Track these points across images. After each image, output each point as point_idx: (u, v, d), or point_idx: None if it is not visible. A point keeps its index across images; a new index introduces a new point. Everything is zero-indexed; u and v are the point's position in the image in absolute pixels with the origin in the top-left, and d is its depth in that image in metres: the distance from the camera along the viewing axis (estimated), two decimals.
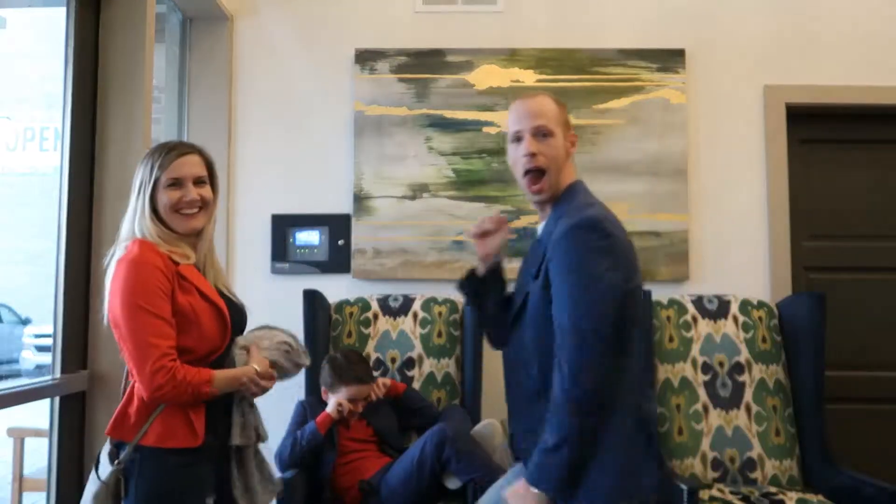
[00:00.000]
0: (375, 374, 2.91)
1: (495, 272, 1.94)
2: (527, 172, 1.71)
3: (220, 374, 1.74)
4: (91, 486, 1.73)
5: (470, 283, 1.94)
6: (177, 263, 1.76)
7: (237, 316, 1.87)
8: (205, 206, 1.82)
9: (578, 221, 1.60)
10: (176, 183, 1.79)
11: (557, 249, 1.61)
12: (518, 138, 1.73)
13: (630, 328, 1.59)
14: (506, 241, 1.90)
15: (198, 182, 1.82)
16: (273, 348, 1.89)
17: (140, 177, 1.81)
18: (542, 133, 1.70)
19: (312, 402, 2.70)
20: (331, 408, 2.57)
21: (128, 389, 1.75)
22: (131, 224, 1.79)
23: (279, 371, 1.89)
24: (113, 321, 1.72)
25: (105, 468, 1.72)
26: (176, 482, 1.69)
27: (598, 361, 1.52)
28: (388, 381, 2.79)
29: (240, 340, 1.86)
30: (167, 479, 1.69)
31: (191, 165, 1.81)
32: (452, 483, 2.44)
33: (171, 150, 1.81)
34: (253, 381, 1.78)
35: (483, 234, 1.88)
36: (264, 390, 1.82)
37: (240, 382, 1.76)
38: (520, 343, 1.74)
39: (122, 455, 1.69)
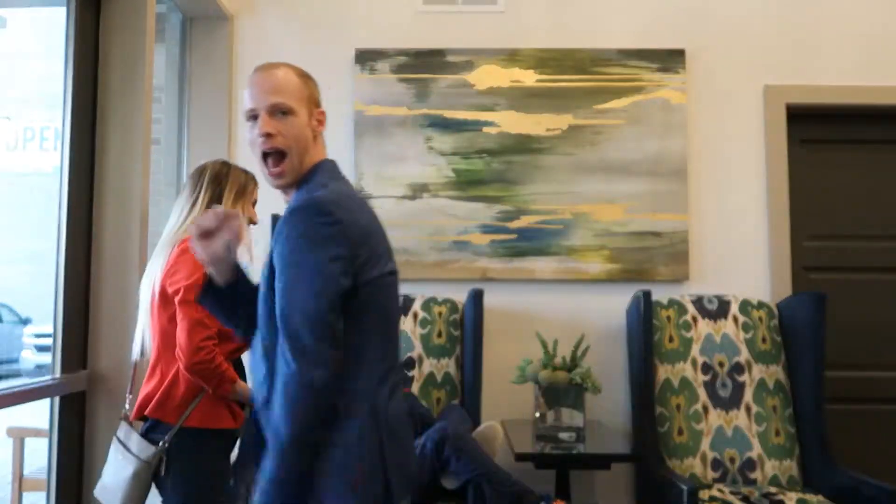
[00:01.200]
0: None
1: (239, 280, 1.58)
2: (265, 155, 1.52)
3: (242, 384, 1.94)
4: (126, 466, 1.83)
5: (210, 296, 1.57)
6: None
7: None
8: None
9: (301, 203, 1.41)
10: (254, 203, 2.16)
11: (278, 237, 1.41)
12: (254, 116, 1.53)
13: (371, 322, 1.41)
14: (237, 240, 1.54)
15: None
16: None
17: (239, 192, 2.10)
18: (280, 111, 1.50)
19: None
20: None
21: (170, 373, 1.88)
22: (191, 214, 2.02)
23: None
24: (164, 295, 1.90)
25: (144, 448, 1.84)
26: (216, 462, 1.86)
27: (309, 371, 1.31)
28: None
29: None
30: (209, 460, 1.85)
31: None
32: (450, 483, 2.44)
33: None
34: None
35: (205, 235, 1.52)
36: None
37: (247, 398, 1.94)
38: (253, 346, 1.53)
39: (168, 435, 1.82)
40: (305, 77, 1.58)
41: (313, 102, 1.57)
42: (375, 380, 1.41)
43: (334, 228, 1.38)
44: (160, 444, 1.83)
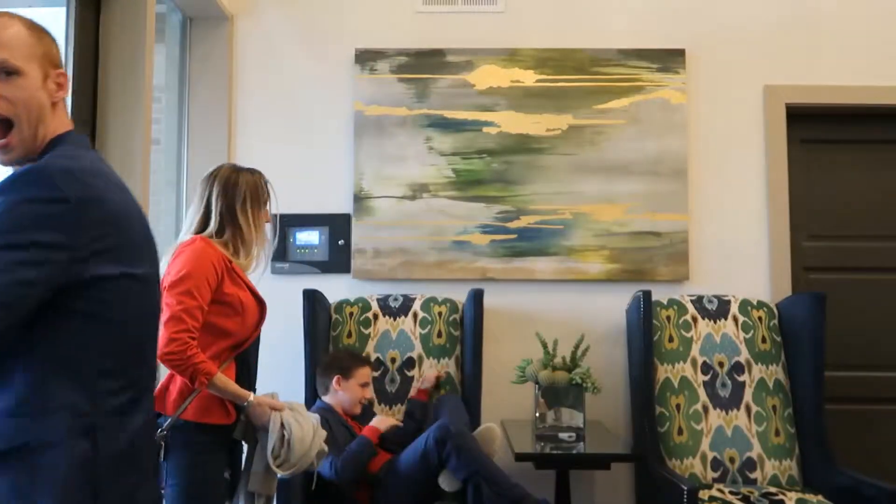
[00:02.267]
0: (375, 374, 2.97)
1: None
2: None
3: (221, 378, 1.92)
4: None
5: None
6: (230, 261, 2.03)
7: (265, 311, 2.11)
8: None
9: (22, 172, 1.15)
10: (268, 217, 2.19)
11: None
12: None
13: (89, 329, 1.16)
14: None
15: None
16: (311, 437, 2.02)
17: (253, 198, 2.11)
18: (3, 71, 1.22)
19: (326, 412, 2.67)
20: (383, 425, 2.69)
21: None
22: (204, 221, 2.07)
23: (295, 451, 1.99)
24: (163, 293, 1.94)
25: None
26: (206, 454, 1.91)
27: None
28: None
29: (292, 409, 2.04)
30: (201, 451, 1.90)
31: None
32: (449, 485, 2.45)
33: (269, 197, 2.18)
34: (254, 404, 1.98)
35: None
36: (263, 416, 1.98)
37: (235, 396, 1.94)
38: None
39: (165, 425, 1.87)
40: (39, 31, 1.28)
41: (49, 62, 1.28)
42: (95, 399, 1.16)
43: (63, 207, 1.12)
44: (157, 432, 1.89)
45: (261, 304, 2.08)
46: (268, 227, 2.17)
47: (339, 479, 2.51)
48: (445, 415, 2.63)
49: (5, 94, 1.22)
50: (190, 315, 1.88)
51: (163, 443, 1.88)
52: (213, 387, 1.89)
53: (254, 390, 2.08)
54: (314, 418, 2.05)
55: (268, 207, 2.15)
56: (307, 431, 1.98)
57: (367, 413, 2.81)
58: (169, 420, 1.89)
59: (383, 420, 2.70)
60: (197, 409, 1.90)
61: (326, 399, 2.74)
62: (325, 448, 2.08)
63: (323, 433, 2.05)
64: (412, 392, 2.94)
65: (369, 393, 2.80)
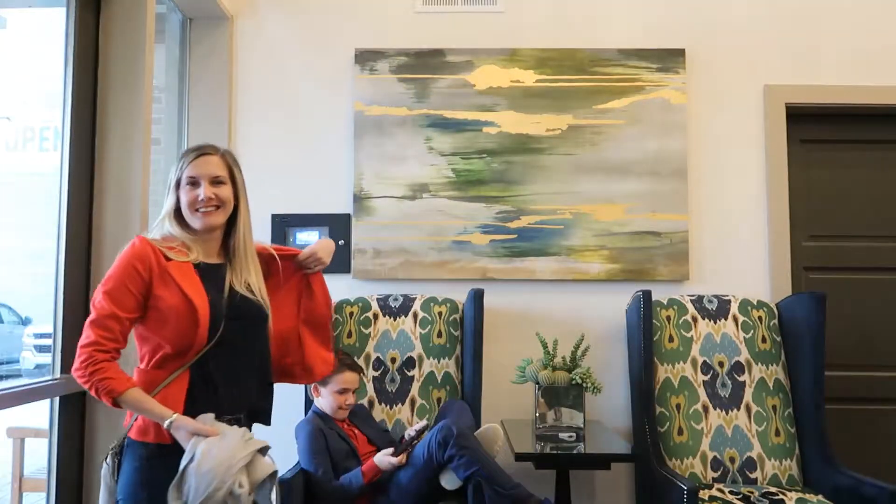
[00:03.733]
0: (375, 374, 2.96)
1: None
2: None
3: (135, 396, 1.73)
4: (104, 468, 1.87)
5: None
6: (168, 259, 1.82)
7: (238, 312, 1.86)
8: (221, 204, 1.90)
9: None
10: (193, 182, 1.88)
11: None
12: None
13: None
14: None
15: (214, 182, 1.89)
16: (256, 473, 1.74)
17: (169, 176, 1.92)
18: None
19: (318, 419, 2.67)
20: (385, 464, 2.50)
21: None
22: (158, 220, 1.91)
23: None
24: None
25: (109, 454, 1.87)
26: (149, 472, 1.77)
27: None
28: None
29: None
30: (141, 469, 1.78)
31: (208, 165, 1.90)
32: (450, 483, 2.45)
33: (192, 151, 1.92)
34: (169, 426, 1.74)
35: None
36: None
37: (152, 415, 1.74)
38: None
39: (115, 442, 1.84)
40: None
41: None
42: None
43: None
44: (111, 449, 1.85)
45: (193, 309, 1.78)
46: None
47: (320, 500, 2.51)
48: (450, 416, 2.63)
49: None
50: (101, 327, 1.73)
51: (115, 461, 1.81)
52: (126, 404, 1.73)
53: (225, 409, 1.81)
54: (251, 451, 1.73)
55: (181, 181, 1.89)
56: (218, 465, 1.66)
57: (361, 414, 2.80)
58: (120, 437, 1.83)
59: (386, 459, 2.52)
60: (137, 427, 1.77)
61: (316, 404, 2.73)
62: (269, 482, 1.77)
63: (265, 468, 1.75)
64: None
65: (351, 399, 2.67)
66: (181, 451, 1.72)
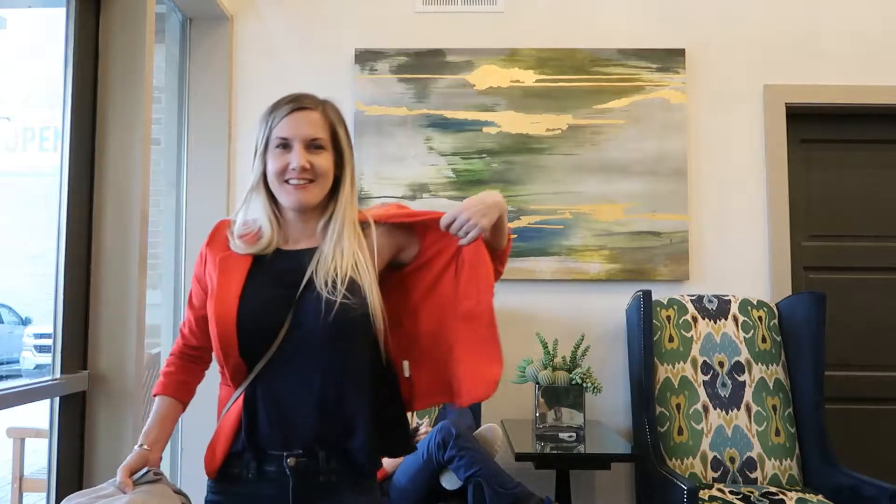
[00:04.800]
0: None
1: None
2: None
3: (154, 407, 1.50)
4: None
5: None
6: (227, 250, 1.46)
7: (305, 318, 1.40)
8: (316, 177, 1.45)
9: None
10: (284, 143, 1.45)
11: None
12: None
13: None
14: None
15: (312, 145, 1.45)
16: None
17: (255, 137, 1.49)
18: None
19: None
20: (391, 466, 2.56)
21: None
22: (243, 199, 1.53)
23: None
24: None
25: None
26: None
27: None
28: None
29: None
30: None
31: (306, 123, 1.46)
32: (450, 483, 2.45)
33: (286, 104, 1.47)
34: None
35: None
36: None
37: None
38: None
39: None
40: None
41: None
42: None
43: None
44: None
45: (222, 314, 1.40)
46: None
47: None
48: (450, 416, 2.63)
49: None
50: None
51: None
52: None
53: (275, 445, 1.39)
54: None
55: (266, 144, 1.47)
56: None
57: None
58: None
59: (392, 461, 2.54)
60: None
61: None
62: None
63: None
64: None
65: None
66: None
